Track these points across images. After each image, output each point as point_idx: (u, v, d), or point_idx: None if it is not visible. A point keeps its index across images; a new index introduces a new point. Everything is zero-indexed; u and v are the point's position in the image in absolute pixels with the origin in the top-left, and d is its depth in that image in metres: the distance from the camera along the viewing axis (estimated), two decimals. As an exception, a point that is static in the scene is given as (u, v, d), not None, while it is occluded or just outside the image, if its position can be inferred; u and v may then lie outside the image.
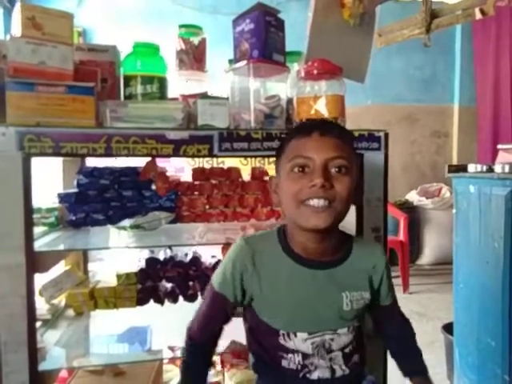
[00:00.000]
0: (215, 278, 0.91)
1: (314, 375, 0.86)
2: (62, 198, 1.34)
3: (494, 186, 1.55)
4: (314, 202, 0.80)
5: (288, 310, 0.86)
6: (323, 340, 0.86)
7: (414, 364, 0.98)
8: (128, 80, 1.29)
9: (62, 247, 1.27)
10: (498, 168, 1.56)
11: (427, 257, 4.45)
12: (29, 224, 1.06)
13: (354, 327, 0.89)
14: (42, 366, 1.13)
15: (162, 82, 1.31)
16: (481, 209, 1.63)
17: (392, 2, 1.66)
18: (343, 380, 0.88)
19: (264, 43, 1.23)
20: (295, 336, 0.86)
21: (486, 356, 1.62)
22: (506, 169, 1.51)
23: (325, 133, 0.83)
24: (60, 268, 1.51)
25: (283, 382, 0.89)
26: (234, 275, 0.87)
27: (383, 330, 1.01)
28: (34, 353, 1.08)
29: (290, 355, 0.86)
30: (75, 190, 1.33)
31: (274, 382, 0.91)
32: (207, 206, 1.39)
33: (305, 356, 0.86)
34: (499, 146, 2.04)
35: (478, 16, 1.86)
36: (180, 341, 1.46)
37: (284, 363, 0.87)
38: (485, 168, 1.63)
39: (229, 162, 1.73)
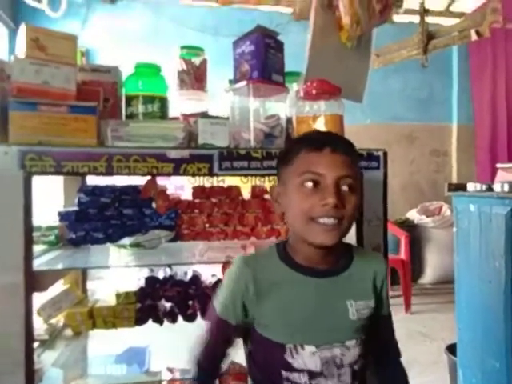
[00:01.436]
0: (217, 302, 0.90)
1: None
2: (63, 216, 1.34)
3: (494, 205, 1.55)
4: (325, 221, 0.80)
5: (294, 321, 0.85)
6: (334, 355, 0.84)
7: None
8: (130, 100, 1.31)
9: (60, 266, 1.27)
10: (497, 187, 1.56)
11: (429, 276, 4.42)
12: (28, 243, 1.06)
13: (361, 340, 0.88)
14: (39, 388, 1.12)
15: (163, 102, 1.33)
16: (481, 228, 1.63)
17: (389, 24, 1.70)
18: None
19: (263, 64, 1.26)
20: (302, 349, 0.84)
21: (490, 378, 1.59)
22: (506, 188, 1.51)
23: (336, 150, 0.82)
24: (59, 287, 1.50)
25: None
26: (235, 298, 0.86)
27: (374, 342, 0.95)
28: (30, 374, 1.06)
29: (295, 375, 0.84)
30: (76, 208, 1.33)
31: None
32: (207, 225, 1.39)
33: (311, 375, 0.84)
34: (498, 165, 2.05)
35: (474, 37, 1.90)
36: (179, 362, 1.44)
37: None
38: (484, 187, 1.64)
39: (229, 181, 1.73)
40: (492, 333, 1.58)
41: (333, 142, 0.84)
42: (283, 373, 0.85)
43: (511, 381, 1.48)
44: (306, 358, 0.84)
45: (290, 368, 0.84)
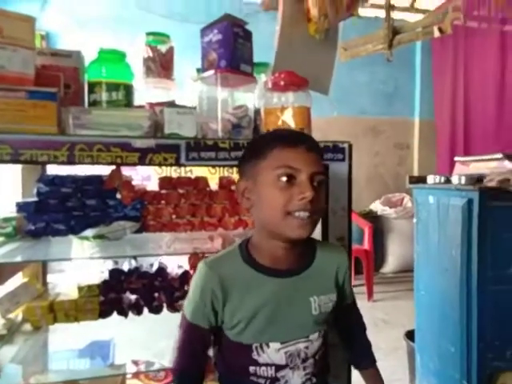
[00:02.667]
0: (186, 309, 0.90)
1: None
2: (21, 207, 1.28)
3: (452, 197, 1.62)
4: (300, 214, 0.82)
5: (260, 323, 0.86)
6: (298, 349, 0.87)
7: (364, 357, 1.03)
8: (92, 86, 1.26)
9: (19, 258, 1.22)
10: (455, 179, 1.63)
11: (391, 265, 4.58)
12: (-17, 234, 1.01)
13: (323, 331, 0.91)
14: (-4, 385, 1.08)
15: (128, 90, 1.29)
16: (439, 218, 1.70)
17: (355, 18, 1.72)
18: None
19: (232, 54, 1.24)
20: (268, 347, 0.86)
21: (446, 361, 1.68)
22: (463, 180, 1.58)
23: (310, 147, 0.85)
24: (17, 280, 1.44)
25: None
26: (205, 303, 0.86)
27: (341, 325, 1.03)
28: (-14, 371, 1.03)
29: (263, 368, 0.86)
30: (35, 198, 1.28)
31: None
32: (174, 216, 1.38)
33: (277, 368, 0.86)
34: (456, 159, 2.13)
35: (437, 34, 1.96)
36: (144, 354, 1.43)
37: (252, 378, 0.87)
38: (443, 179, 1.70)
39: (197, 171, 1.72)
40: (448, 318, 1.66)
41: (306, 140, 0.87)
42: (250, 368, 0.87)
43: (464, 364, 1.57)
44: (271, 354, 0.86)
45: (257, 363, 0.87)
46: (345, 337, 1.05)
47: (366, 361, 1.02)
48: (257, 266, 0.88)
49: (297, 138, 0.86)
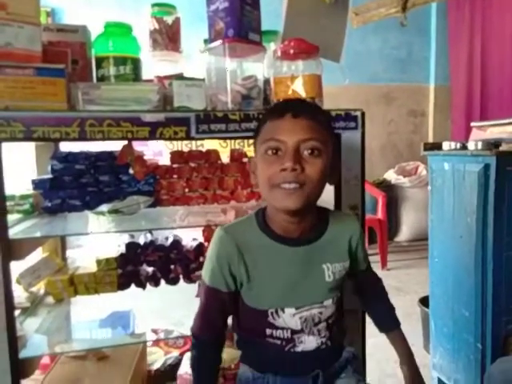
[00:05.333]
0: (205, 273, 0.92)
1: (299, 348, 0.90)
2: (37, 184, 1.30)
3: (468, 163, 1.59)
4: (285, 185, 0.81)
5: (275, 290, 0.88)
6: (312, 314, 0.89)
7: (388, 320, 1.04)
8: (100, 61, 1.25)
9: (38, 234, 1.25)
10: (471, 145, 1.59)
11: (405, 234, 4.57)
12: (2, 211, 1.03)
13: (337, 298, 0.93)
14: (23, 354, 1.13)
15: (136, 63, 1.28)
16: (455, 185, 1.67)
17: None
18: (326, 351, 0.92)
19: (239, 22, 1.21)
20: (283, 312, 0.88)
21: (460, 326, 1.69)
22: (479, 146, 1.54)
23: (298, 114, 0.82)
24: (37, 255, 1.49)
25: (268, 355, 0.91)
26: (222, 266, 0.88)
27: (360, 291, 1.06)
28: (13, 340, 1.07)
29: (279, 331, 0.89)
30: (50, 175, 1.30)
31: (258, 357, 0.93)
32: (186, 189, 1.38)
33: (293, 331, 0.89)
34: (472, 124, 2.07)
35: (453, -6, 1.87)
36: (163, 323, 1.48)
37: (269, 339, 0.90)
38: (458, 145, 1.67)
39: (208, 145, 1.71)
40: (462, 284, 1.67)
41: (294, 107, 0.85)
42: (267, 330, 0.89)
43: (479, 328, 1.58)
44: (287, 318, 0.88)
45: (273, 327, 0.89)
46: (367, 302, 1.07)
47: (389, 323, 1.03)
48: (272, 234, 0.89)
49: (284, 107, 0.85)
